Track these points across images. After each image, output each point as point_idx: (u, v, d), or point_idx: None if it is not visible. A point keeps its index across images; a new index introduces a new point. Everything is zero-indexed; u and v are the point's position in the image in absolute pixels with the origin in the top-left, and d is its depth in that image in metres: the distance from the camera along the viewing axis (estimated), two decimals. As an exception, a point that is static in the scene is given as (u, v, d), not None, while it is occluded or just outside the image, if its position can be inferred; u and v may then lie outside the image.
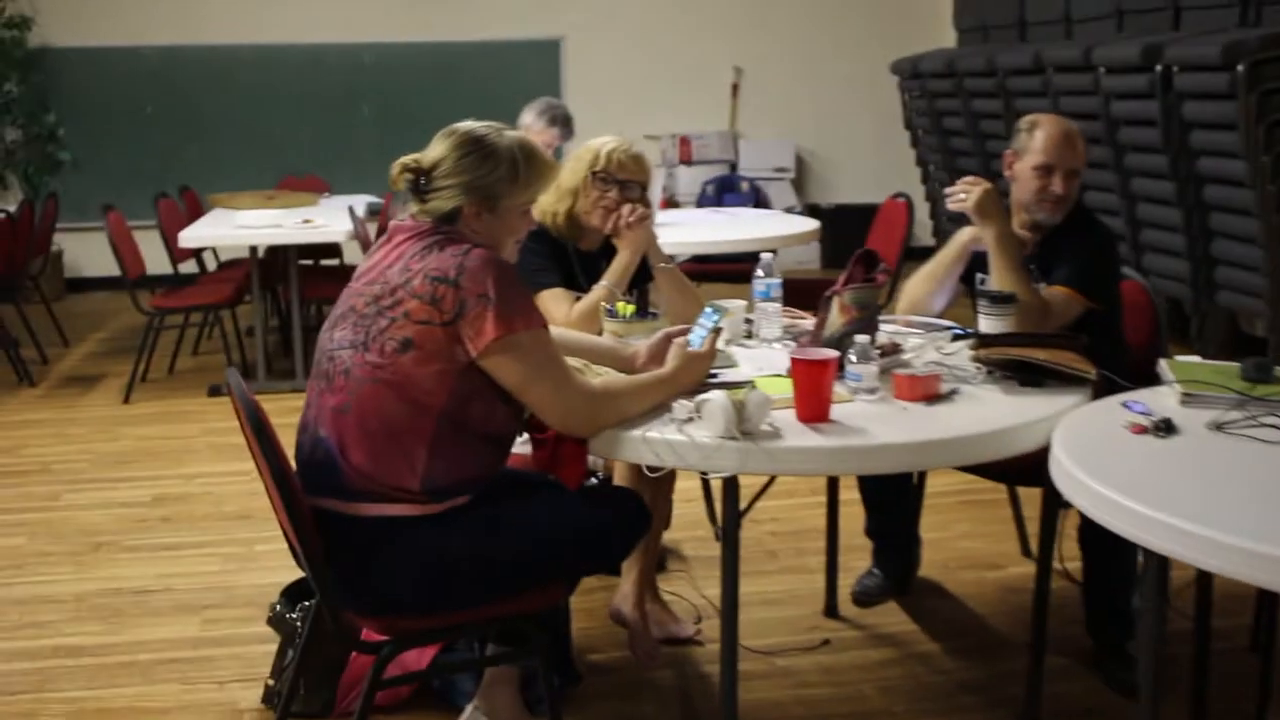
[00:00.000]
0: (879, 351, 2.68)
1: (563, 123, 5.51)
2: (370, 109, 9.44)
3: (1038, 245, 3.24)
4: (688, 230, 5.60)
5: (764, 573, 3.75)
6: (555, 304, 3.17)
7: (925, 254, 8.60)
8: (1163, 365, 2.66)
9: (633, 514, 2.58)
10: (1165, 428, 2.28)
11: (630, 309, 2.97)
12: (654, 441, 2.32)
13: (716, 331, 2.62)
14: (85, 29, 9.06)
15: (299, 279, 6.34)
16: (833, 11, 9.81)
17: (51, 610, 3.62)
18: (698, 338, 2.66)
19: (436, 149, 2.47)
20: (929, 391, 2.54)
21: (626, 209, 3.23)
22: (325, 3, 9.31)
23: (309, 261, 7.42)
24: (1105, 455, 2.16)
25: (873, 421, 2.39)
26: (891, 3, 9.84)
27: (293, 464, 2.36)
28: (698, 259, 5.93)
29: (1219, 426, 2.31)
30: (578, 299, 3.22)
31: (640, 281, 3.36)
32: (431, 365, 2.30)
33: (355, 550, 2.33)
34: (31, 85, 9.02)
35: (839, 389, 2.48)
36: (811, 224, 5.83)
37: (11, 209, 7.19)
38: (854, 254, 2.85)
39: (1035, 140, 3.22)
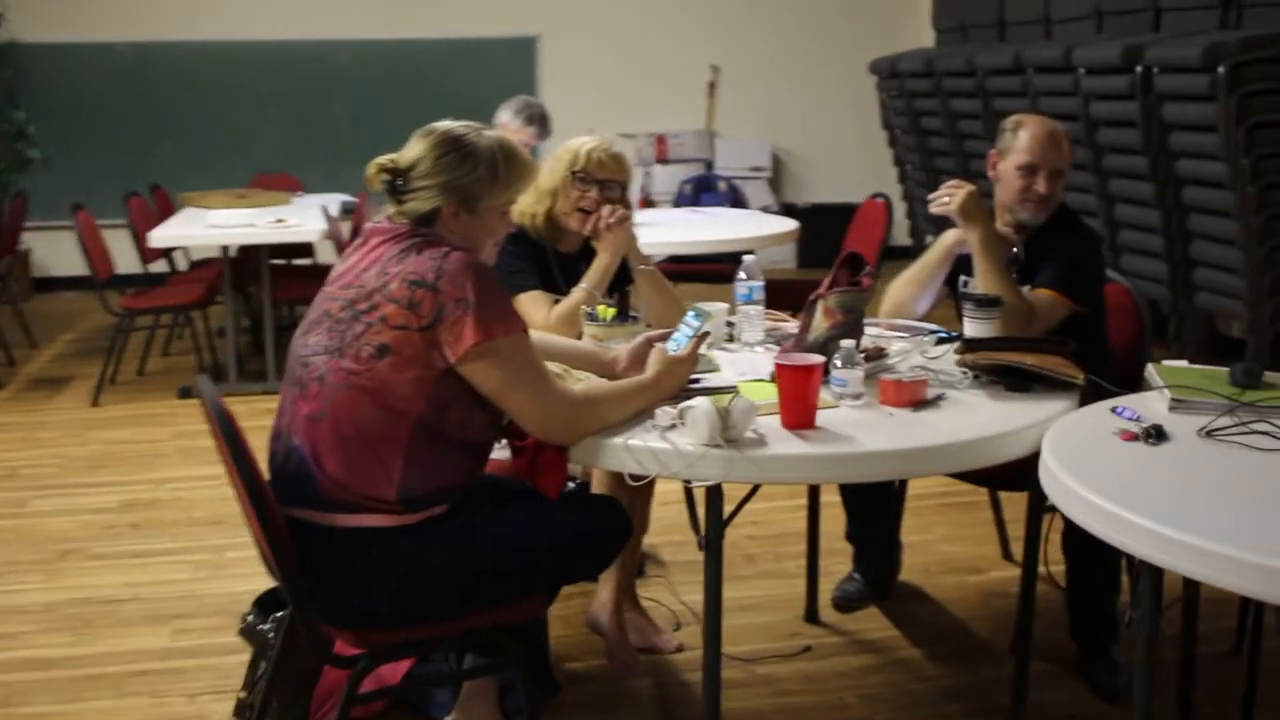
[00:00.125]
0: (863, 356, 2.64)
1: (539, 121, 5.47)
2: (344, 106, 9.35)
3: (1022, 246, 3.21)
4: (665, 230, 5.54)
5: (742, 578, 3.71)
6: (534, 307, 3.11)
7: (903, 254, 8.61)
8: (1151, 370, 2.63)
9: (613, 523, 2.52)
10: (1156, 435, 2.24)
11: (611, 312, 2.92)
12: (636, 449, 2.27)
13: (701, 336, 2.58)
14: (56, 24, 8.93)
15: (271, 279, 6.26)
16: (810, 11, 9.78)
17: (19, 621, 3.54)
18: (678, 342, 2.62)
19: (414, 149, 2.41)
20: (915, 397, 2.50)
21: (606, 210, 3.18)
22: (299, -1, 9.24)
23: (281, 261, 7.34)
24: (1097, 463, 2.12)
25: (859, 428, 2.35)
26: (869, 2, 9.82)
27: (265, 473, 2.30)
28: (675, 259, 5.88)
29: (1209, 433, 2.27)
30: (556, 302, 3.17)
31: (620, 284, 3.31)
32: (408, 371, 2.24)
33: (330, 562, 2.27)
34: (0, 81, 8.90)
35: (823, 394, 2.44)
36: (790, 224, 5.79)
37: (-22, 208, 7.08)
38: (839, 257, 2.82)
39: (1020, 140, 3.19)
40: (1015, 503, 3.69)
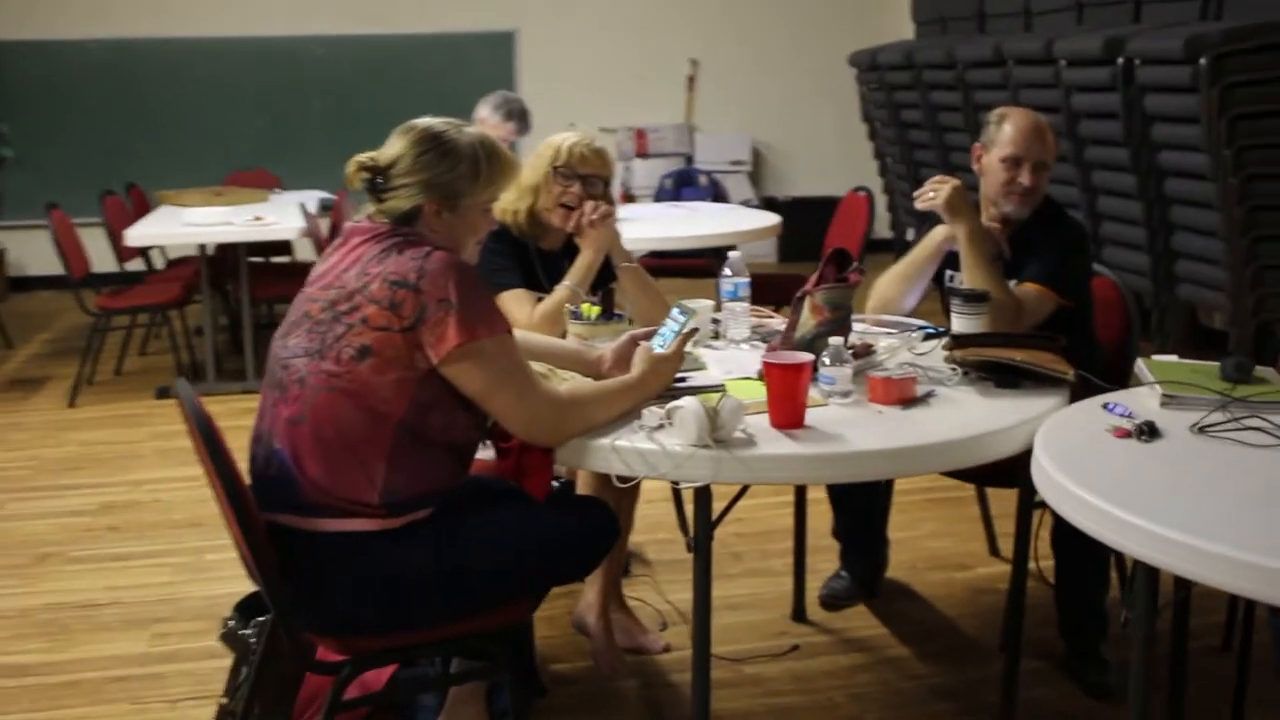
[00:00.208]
0: (851, 352, 2.61)
1: (519, 117, 5.42)
2: (321, 102, 9.27)
3: (1007, 240, 3.18)
4: (646, 225, 5.50)
5: (729, 576, 3.68)
6: (517, 305, 3.07)
7: (884, 247, 8.58)
8: (1141, 365, 2.61)
9: (600, 524, 2.49)
10: (1148, 431, 2.22)
11: (595, 311, 2.89)
12: (623, 450, 2.24)
13: (689, 334, 2.54)
14: (28, 20, 8.83)
15: (249, 277, 6.19)
16: (788, 4, 9.74)
17: (-6, 626, 3.50)
18: (663, 340, 2.58)
19: (394, 146, 2.38)
20: (904, 395, 2.47)
21: (589, 206, 3.14)
22: (274, -6, 9.16)
23: (259, 259, 7.28)
24: (1091, 461, 2.10)
25: (848, 427, 2.32)
26: (848, -5, 9.81)
27: (246, 477, 2.26)
28: (655, 254, 5.85)
29: (1202, 429, 2.25)
30: (539, 300, 3.13)
31: (603, 281, 3.28)
32: (390, 373, 2.20)
33: (312, 567, 2.23)
34: (-28, 79, 8.82)
35: (811, 393, 2.41)
36: (772, 219, 5.76)
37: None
38: (826, 253, 2.79)
39: (1004, 132, 3.17)
40: (1002, 498, 3.68)
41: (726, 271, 3.08)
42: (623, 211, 5.74)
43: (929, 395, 2.52)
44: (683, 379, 2.57)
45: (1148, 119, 5.54)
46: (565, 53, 9.49)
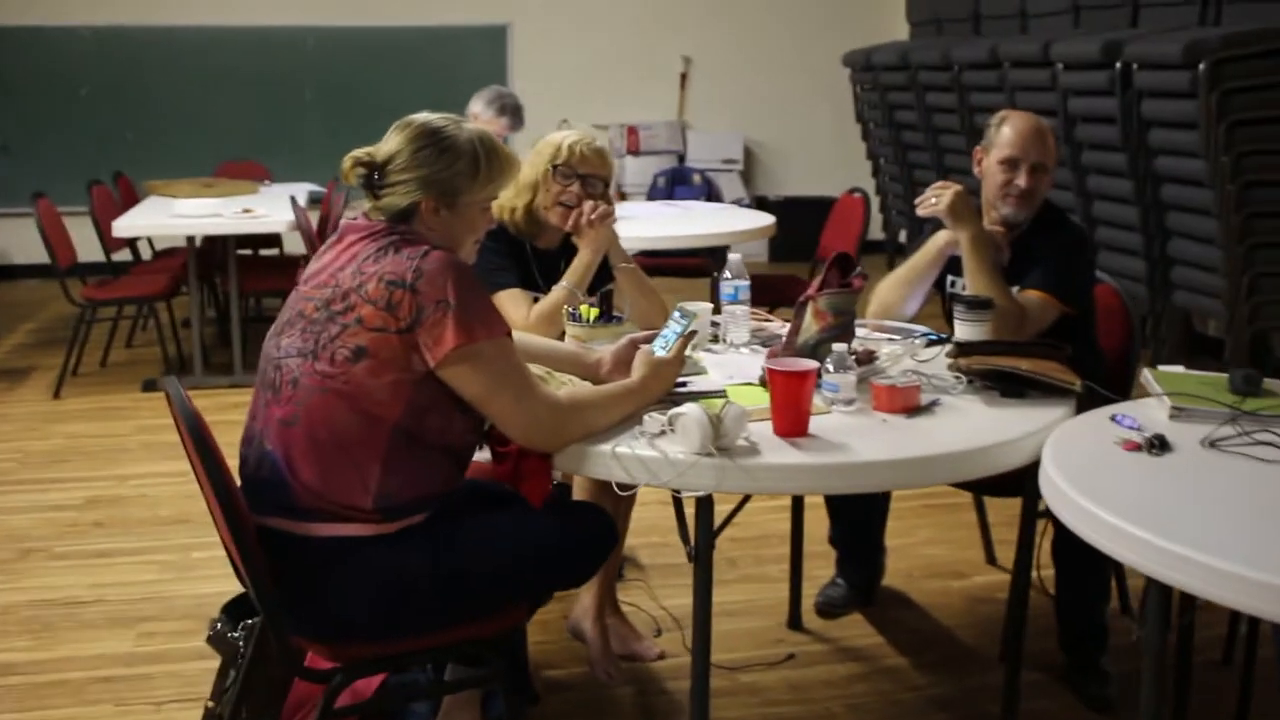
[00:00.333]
0: (853, 359, 2.57)
1: (512, 112, 5.39)
2: (312, 94, 9.20)
3: (1007, 246, 3.14)
4: (640, 224, 5.45)
5: (724, 582, 3.63)
6: (513, 305, 3.02)
7: (876, 249, 8.54)
8: (1148, 376, 2.57)
9: (599, 530, 2.45)
10: (1159, 445, 2.18)
11: (594, 313, 2.84)
12: (624, 457, 2.19)
13: (688, 337, 2.50)
14: (17, 6, 8.73)
15: (238, 270, 6.13)
16: (782, 2, 9.70)
17: (-24, 623, 3.44)
18: (663, 343, 2.54)
19: (391, 142, 2.32)
20: (909, 403, 2.43)
21: (588, 205, 3.09)
22: (266, -16, 9.08)
23: (247, 251, 7.22)
24: (1101, 475, 2.06)
25: (853, 436, 2.27)
26: (842, -6, 9.77)
27: (236, 478, 2.21)
28: (646, 254, 5.79)
29: (1213, 444, 2.21)
30: (536, 300, 3.08)
31: (600, 282, 3.23)
32: (386, 375, 2.15)
33: (305, 572, 2.18)
34: (-41, 65, 8.72)
35: (814, 399, 2.36)
36: (767, 219, 5.70)
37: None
38: (821, 255, 2.74)
39: (1002, 134, 3.14)
40: (998, 505, 3.65)
41: (726, 274, 3.04)
42: (618, 210, 5.69)
43: (934, 404, 2.48)
44: (683, 384, 2.53)
45: (1145, 124, 5.51)
46: (558, 48, 9.44)
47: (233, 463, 2.17)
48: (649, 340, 2.57)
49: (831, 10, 9.71)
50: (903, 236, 8.68)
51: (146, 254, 7.35)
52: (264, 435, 2.23)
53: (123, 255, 6.82)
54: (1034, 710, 2.90)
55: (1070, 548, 2.86)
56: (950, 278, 3.20)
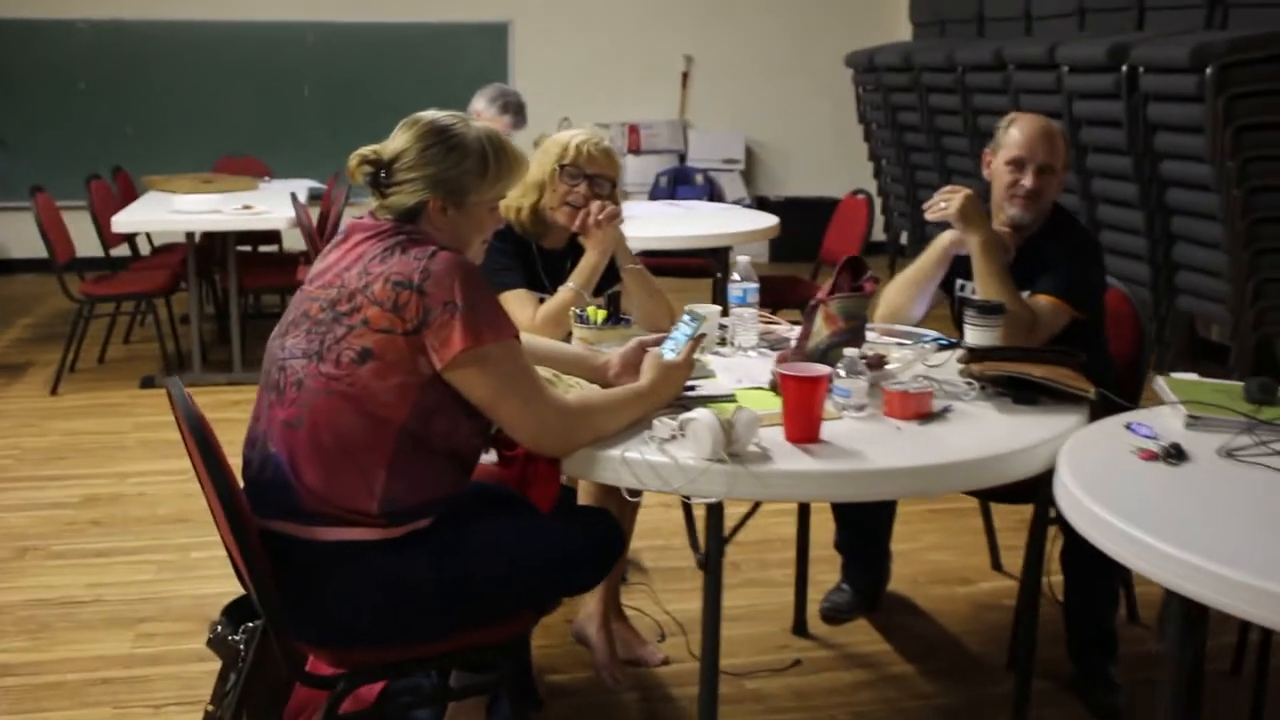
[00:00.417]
0: (864, 363, 2.53)
1: (515, 110, 5.34)
2: (311, 91, 9.15)
3: (1017, 247, 3.11)
4: (643, 224, 5.40)
5: (727, 586, 3.52)
6: (518, 306, 2.99)
7: (878, 250, 8.50)
8: (1161, 384, 2.54)
9: (605, 536, 2.42)
10: (1176, 454, 2.15)
11: (601, 315, 2.80)
12: (634, 463, 2.15)
13: (697, 340, 2.47)
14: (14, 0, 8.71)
15: (237, 266, 6.09)
16: (785, 2, 9.67)
17: (-28, 623, 3.40)
18: (673, 346, 2.51)
19: (398, 140, 2.29)
20: (921, 409, 2.40)
21: (596, 206, 3.06)
22: (266, -21, 9.03)
23: (247, 248, 7.19)
24: (1120, 486, 2.03)
25: (866, 442, 2.24)
26: (845, -6, 9.74)
27: (239, 480, 2.17)
28: (646, 253, 5.75)
29: (1230, 453, 2.19)
30: (541, 301, 3.05)
31: (606, 283, 3.20)
32: (392, 377, 2.12)
33: (308, 577, 2.15)
34: (-43, 59, 8.67)
35: (825, 405, 2.33)
36: (770, 220, 5.67)
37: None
38: (823, 255, 2.71)
39: (1010, 135, 3.12)
40: (1003, 510, 3.63)
41: (735, 276, 3.01)
42: (626, 210, 5.66)
43: (946, 410, 2.45)
44: (691, 387, 2.50)
45: (1151, 127, 5.49)
46: (559, 46, 9.40)
47: (233, 462, 2.13)
48: (657, 343, 2.54)
49: (833, 11, 9.68)
50: (904, 238, 8.66)
51: (145, 249, 7.32)
52: (268, 437, 2.20)
53: (120, 250, 6.77)
54: (1042, 719, 2.88)
55: (1080, 555, 2.83)
56: (959, 281, 3.17)
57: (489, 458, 2.58)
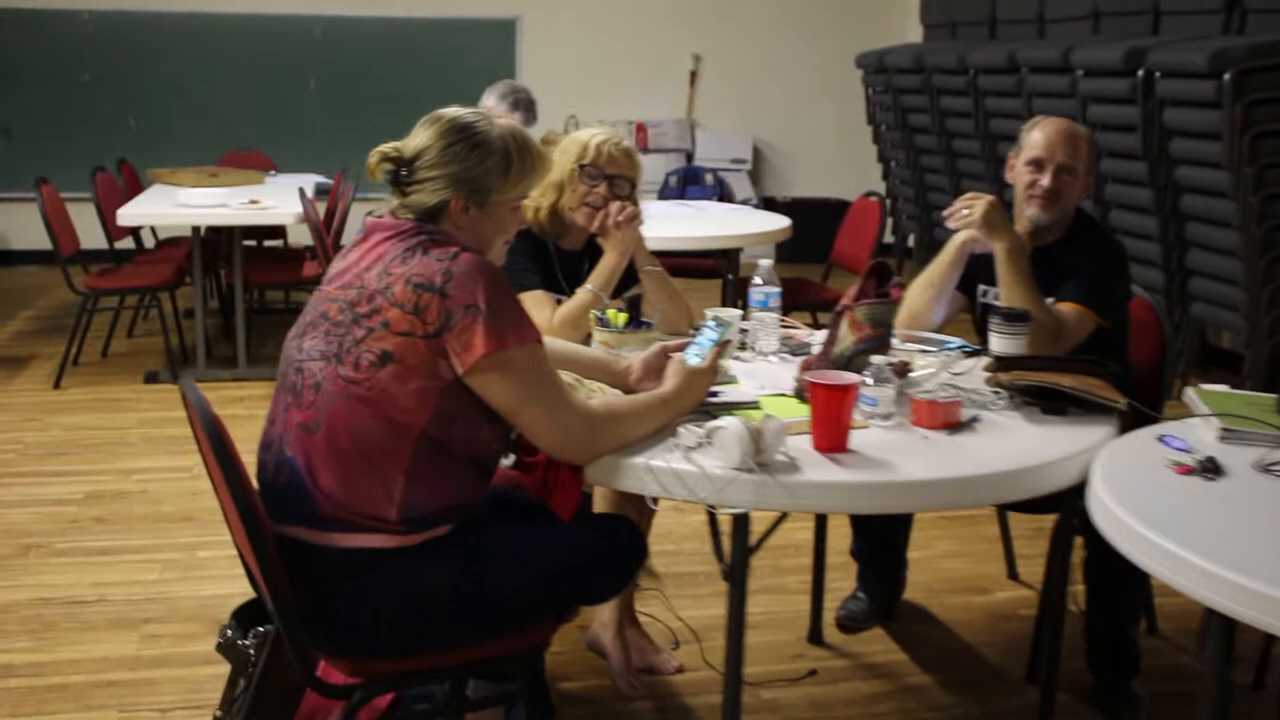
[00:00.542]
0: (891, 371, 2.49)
1: (525, 107, 5.30)
2: (318, 85, 9.10)
3: (1035, 251, 3.06)
4: (652, 224, 5.31)
5: (740, 592, 3.55)
6: (536, 308, 2.94)
7: (886, 252, 8.47)
8: (1192, 395, 2.50)
9: (626, 544, 2.37)
10: (1212, 468, 2.11)
11: (622, 318, 2.75)
12: (659, 471, 2.11)
13: (722, 346, 2.42)
14: (19, -10, 8.66)
15: (242, 261, 6.04)
16: (794, 2, 9.62)
17: (-25, 622, 3.35)
18: (697, 351, 2.46)
19: (419, 137, 2.24)
20: (950, 419, 2.35)
21: (615, 207, 3.01)
22: (272, -29, 8.98)
23: (252, 242, 7.14)
24: (1155, 500, 1.98)
25: (895, 453, 2.19)
26: (855, -5, 9.69)
27: (254, 483, 2.13)
28: (657, 254, 5.69)
29: (1266, 468, 2.14)
30: (559, 302, 3.00)
31: (624, 285, 3.15)
32: (412, 381, 2.07)
33: (324, 584, 2.10)
34: (-39, 49, 8.61)
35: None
36: (783, 221, 5.63)
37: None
38: (866, 267, 2.66)
39: (1031, 137, 3.08)
40: (1019, 518, 3.58)
41: (757, 280, 2.96)
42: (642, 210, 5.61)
43: (974, 420, 2.40)
44: (714, 394, 2.45)
45: (1167, 133, 5.44)
46: (566, 43, 9.36)
47: (245, 461, 2.08)
48: (680, 348, 2.49)
49: (842, 11, 9.63)
50: (912, 240, 8.61)
51: (149, 242, 7.27)
52: (284, 440, 2.15)
53: (125, 243, 6.72)
54: (1064, 734, 2.84)
55: (1105, 567, 2.80)
56: (982, 288, 3.13)
57: (507, 461, 2.54)
